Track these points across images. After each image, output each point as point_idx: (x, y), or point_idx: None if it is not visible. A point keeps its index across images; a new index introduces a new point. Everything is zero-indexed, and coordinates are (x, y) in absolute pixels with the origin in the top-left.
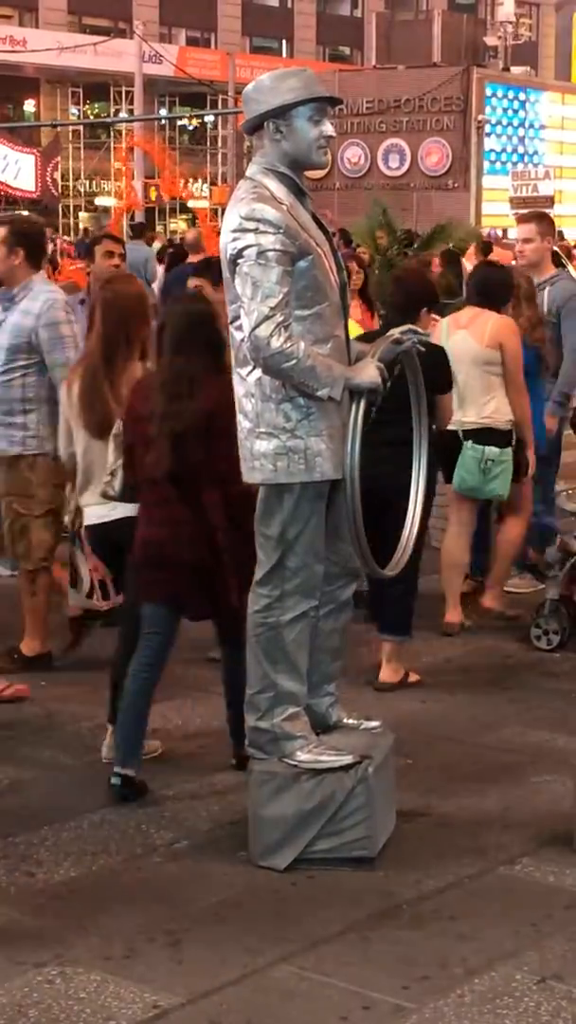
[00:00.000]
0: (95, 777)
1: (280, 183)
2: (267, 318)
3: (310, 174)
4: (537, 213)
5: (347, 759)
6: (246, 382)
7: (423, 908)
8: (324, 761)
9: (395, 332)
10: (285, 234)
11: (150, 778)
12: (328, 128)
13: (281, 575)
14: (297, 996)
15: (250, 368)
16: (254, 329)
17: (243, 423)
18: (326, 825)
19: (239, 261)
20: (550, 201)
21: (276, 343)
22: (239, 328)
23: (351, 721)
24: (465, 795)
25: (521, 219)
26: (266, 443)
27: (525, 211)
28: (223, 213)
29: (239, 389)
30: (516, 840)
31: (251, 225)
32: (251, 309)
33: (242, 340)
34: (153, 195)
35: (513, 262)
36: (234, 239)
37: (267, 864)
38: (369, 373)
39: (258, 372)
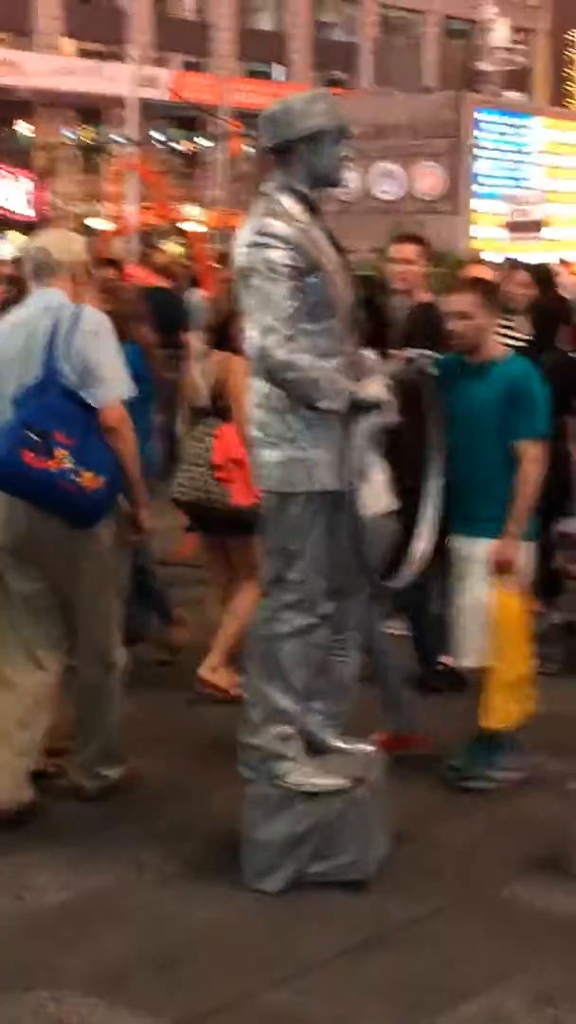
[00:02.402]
0: (89, 800)
1: (295, 201)
2: (273, 330)
3: None
4: (419, 235)
5: (340, 782)
6: (256, 393)
7: (415, 932)
8: (317, 784)
9: (409, 352)
10: (295, 249)
11: (141, 802)
12: (347, 149)
13: (281, 587)
14: (289, 1020)
15: (265, 380)
16: (260, 340)
17: (253, 432)
18: (318, 848)
19: (250, 274)
20: (540, 226)
21: (281, 354)
22: (250, 341)
23: (344, 744)
24: (456, 819)
25: (402, 239)
26: (271, 452)
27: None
28: (217, 237)
29: (250, 400)
30: (507, 864)
31: (262, 240)
32: (258, 321)
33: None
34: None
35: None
36: (246, 253)
37: (259, 887)
38: (375, 388)
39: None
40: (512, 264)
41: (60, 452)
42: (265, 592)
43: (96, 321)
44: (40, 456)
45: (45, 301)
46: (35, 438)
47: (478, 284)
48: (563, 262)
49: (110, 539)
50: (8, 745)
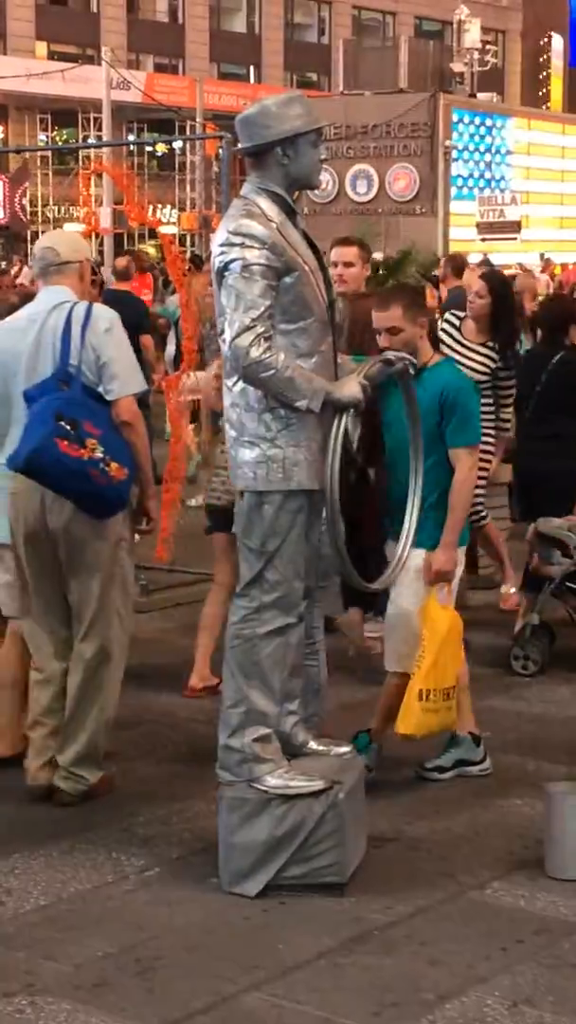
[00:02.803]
0: (65, 806)
1: (272, 202)
2: (247, 328)
3: None
4: (359, 238)
5: (318, 784)
6: (232, 392)
7: (394, 933)
8: (294, 786)
9: (388, 354)
10: (270, 249)
11: (120, 806)
12: (323, 151)
13: (260, 587)
14: (269, 1023)
15: (235, 379)
16: (234, 339)
17: (230, 432)
18: (297, 851)
19: (225, 274)
20: (517, 226)
21: (255, 353)
22: (225, 340)
23: (320, 747)
24: (435, 820)
25: (342, 242)
26: (248, 451)
27: (345, 237)
28: (190, 239)
29: (226, 400)
30: (486, 864)
31: (238, 240)
32: (233, 320)
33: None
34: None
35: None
36: (221, 253)
37: (238, 891)
38: (350, 389)
39: (242, 383)
40: (449, 262)
41: (91, 442)
42: (243, 592)
43: (108, 318)
44: (74, 445)
45: (54, 299)
46: (68, 428)
47: (400, 295)
48: (547, 262)
49: (118, 532)
50: (41, 730)
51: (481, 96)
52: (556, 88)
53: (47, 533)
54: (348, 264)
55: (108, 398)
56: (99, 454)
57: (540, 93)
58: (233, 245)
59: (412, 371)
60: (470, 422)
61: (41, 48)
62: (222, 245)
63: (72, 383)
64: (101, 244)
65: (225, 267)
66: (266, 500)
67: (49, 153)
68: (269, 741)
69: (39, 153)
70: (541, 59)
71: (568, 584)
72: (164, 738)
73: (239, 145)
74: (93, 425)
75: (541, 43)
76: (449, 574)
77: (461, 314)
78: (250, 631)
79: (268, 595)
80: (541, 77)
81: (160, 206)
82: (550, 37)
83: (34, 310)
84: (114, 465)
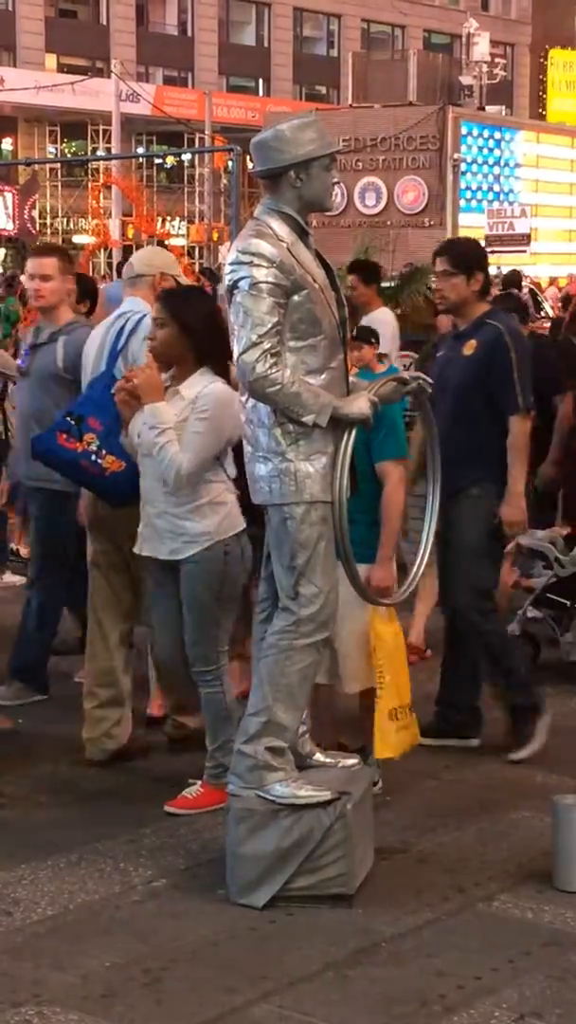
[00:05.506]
0: (73, 815)
1: (283, 223)
2: (254, 345)
3: None
4: (57, 247)
5: (325, 795)
6: (246, 408)
7: (402, 945)
8: (302, 796)
9: (404, 373)
10: (279, 268)
11: (127, 817)
12: (336, 174)
13: (297, 602)
14: None
15: (246, 394)
16: (241, 355)
17: (246, 447)
18: (304, 862)
19: (235, 292)
20: (527, 239)
21: (261, 368)
22: (234, 357)
23: (327, 758)
24: (443, 831)
25: (38, 252)
26: (263, 466)
27: (39, 246)
28: (199, 251)
29: (242, 416)
30: (494, 876)
31: (247, 259)
32: (240, 336)
33: None
34: (130, 233)
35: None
36: (232, 271)
37: (245, 902)
38: (359, 405)
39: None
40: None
41: (89, 436)
42: (283, 607)
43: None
44: (71, 438)
45: (125, 307)
46: (71, 422)
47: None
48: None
49: None
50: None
51: (490, 109)
52: (552, 101)
53: (99, 514)
54: (46, 277)
55: None
56: (93, 447)
57: (539, 109)
58: (243, 264)
59: (428, 391)
60: (395, 434)
61: (51, 60)
62: (232, 264)
63: (101, 381)
64: (110, 256)
65: (235, 285)
66: (287, 514)
67: (58, 165)
68: (282, 754)
69: (48, 165)
70: (541, 74)
71: (549, 596)
72: (173, 749)
73: (253, 167)
74: (99, 421)
75: (540, 58)
76: (388, 590)
77: None
78: (286, 643)
79: (306, 608)
80: (541, 91)
81: (169, 218)
82: (547, 51)
83: (110, 318)
84: (109, 457)
